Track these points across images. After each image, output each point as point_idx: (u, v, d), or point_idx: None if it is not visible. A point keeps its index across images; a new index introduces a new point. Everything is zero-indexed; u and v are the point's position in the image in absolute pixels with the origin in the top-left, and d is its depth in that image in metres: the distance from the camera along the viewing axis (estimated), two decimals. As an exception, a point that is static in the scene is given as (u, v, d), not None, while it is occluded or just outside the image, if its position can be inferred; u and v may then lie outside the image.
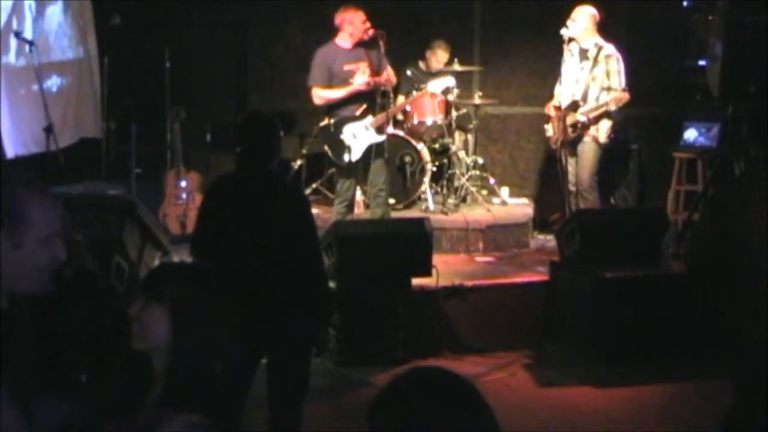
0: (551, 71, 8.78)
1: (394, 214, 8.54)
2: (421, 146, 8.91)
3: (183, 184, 8.86)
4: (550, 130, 8.66)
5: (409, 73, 9.13)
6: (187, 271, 2.72)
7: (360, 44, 7.98)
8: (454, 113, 9.24)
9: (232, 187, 4.93)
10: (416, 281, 7.13)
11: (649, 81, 9.22)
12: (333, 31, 8.08)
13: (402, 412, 1.83)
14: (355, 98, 8.01)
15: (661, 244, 7.62)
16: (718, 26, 8.93)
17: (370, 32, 7.89)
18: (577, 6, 8.41)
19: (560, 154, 8.48)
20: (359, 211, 8.66)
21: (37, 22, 8.55)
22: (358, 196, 8.63)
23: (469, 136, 9.55)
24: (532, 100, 9.98)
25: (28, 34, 8.14)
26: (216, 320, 2.61)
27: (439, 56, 9.50)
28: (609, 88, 8.25)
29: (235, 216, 4.75)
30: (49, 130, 7.56)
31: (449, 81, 8.90)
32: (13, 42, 8.10)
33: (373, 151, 7.96)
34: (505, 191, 9.68)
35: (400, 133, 8.88)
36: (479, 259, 8.57)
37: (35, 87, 7.93)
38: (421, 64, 9.66)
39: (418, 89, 8.98)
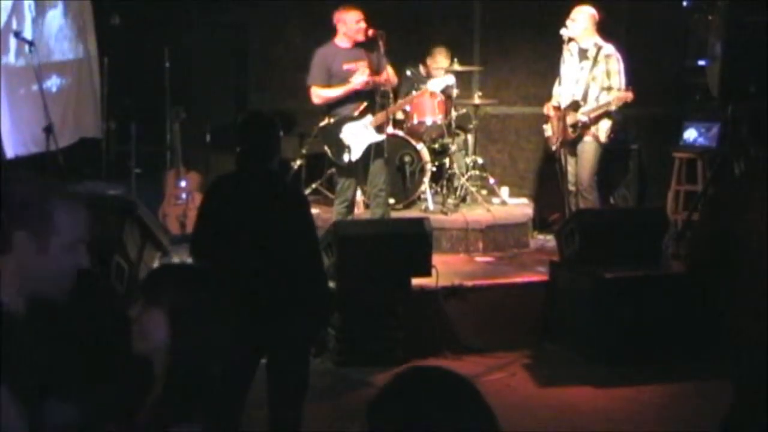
0: (551, 71, 8.78)
1: (394, 214, 8.54)
2: (420, 146, 8.91)
3: (183, 184, 8.87)
4: (549, 130, 8.66)
5: (408, 73, 9.13)
6: (186, 272, 2.72)
7: (360, 44, 7.98)
8: (453, 113, 9.25)
9: (232, 187, 4.93)
10: (416, 281, 7.13)
11: (649, 81, 9.22)
12: (333, 31, 8.08)
13: (402, 411, 1.83)
14: (354, 98, 8.01)
15: (661, 244, 7.62)
16: (717, 26, 8.95)
17: (370, 32, 7.89)
18: (577, 6, 8.42)
19: (560, 154, 8.48)
20: (359, 211, 8.66)
21: (37, 23, 8.55)
22: (358, 196, 8.63)
23: (469, 136, 9.56)
24: (531, 100, 9.98)
25: (27, 34, 8.14)
26: (215, 322, 2.61)
27: (439, 62, 9.50)
28: (609, 88, 8.25)
29: (234, 216, 4.76)
30: (48, 130, 7.56)
31: (449, 79, 8.89)
32: (12, 42, 8.10)
33: (372, 151, 7.96)
34: (504, 191, 9.68)
35: (400, 133, 8.88)
36: (479, 259, 8.57)
37: (35, 87, 7.92)
38: (422, 69, 9.66)
39: (418, 89, 8.98)
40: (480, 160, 9.48)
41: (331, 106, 8.08)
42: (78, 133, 9.12)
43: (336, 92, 7.97)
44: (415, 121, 8.95)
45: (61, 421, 2.36)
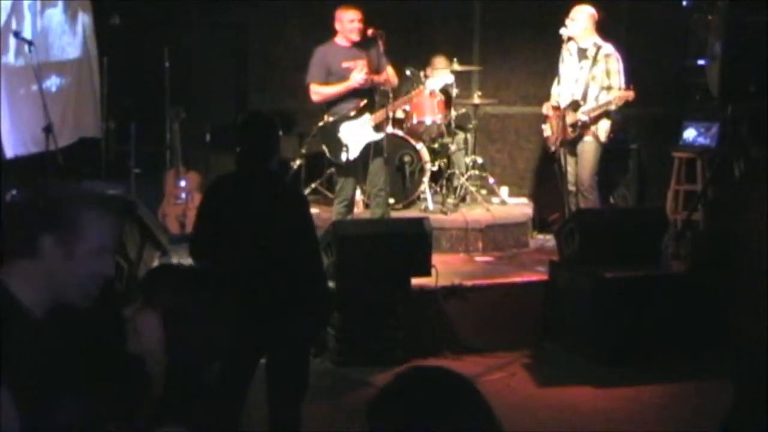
0: (551, 71, 8.78)
1: (394, 214, 8.53)
2: (420, 146, 8.91)
3: (182, 183, 8.86)
4: (548, 130, 8.66)
5: (408, 72, 9.13)
6: (184, 273, 2.72)
7: (360, 43, 7.99)
8: (453, 113, 9.24)
9: (232, 187, 4.93)
10: (416, 281, 7.13)
11: (649, 81, 9.21)
12: (333, 31, 8.11)
13: (402, 411, 1.83)
14: (353, 97, 8.02)
15: (661, 243, 7.62)
16: (717, 26, 8.95)
17: (369, 32, 7.90)
18: (577, 5, 8.42)
19: (559, 154, 8.47)
20: (359, 210, 8.66)
21: (37, 22, 8.53)
22: (358, 195, 8.64)
23: (469, 136, 9.55)
24: (531, 99, 9.97)
25: (27, 33, 8.12)
26: (212, 323, 2.61)
27: (438, 70, 9.48)
28: (609, 88, 8.26)
29: (234, 216, 4.76)
30: (48, 130, 7.55)
31: (447, 78, 8.86)
32: (12, 42, 8.09)
33: (372, 151, 7.96)
34: (504, 191, 9.68)
35: (400, 132, 8.88)
36: (478, 258, 8.57)
37: (34, 87, 7.91)
38: (422, 75, 9.64)
39: (418, 86, 8.96)
40: (480, 160, 9.48)
41: (330, 105, 8.10)
42: (77, 133, 9.11)
43: (334, 89, 7.98)
44: (415, 121, 8.95)
45: (62, 421, 2.36)
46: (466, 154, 9.46)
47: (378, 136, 7.99)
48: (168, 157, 9.26)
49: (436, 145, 9.19)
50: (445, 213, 8.80)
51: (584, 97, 8.29)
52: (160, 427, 2.47)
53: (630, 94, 8.13)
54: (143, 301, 2.56)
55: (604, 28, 8.56)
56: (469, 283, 7.49)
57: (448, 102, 9.19)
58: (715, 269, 4.36)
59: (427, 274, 7.10)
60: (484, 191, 9.42)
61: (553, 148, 8.61)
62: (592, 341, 7.01)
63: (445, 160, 9.24)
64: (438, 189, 9.19)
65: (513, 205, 9.51)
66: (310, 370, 5.03)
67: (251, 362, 4.83)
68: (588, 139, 8.33)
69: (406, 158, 8.86)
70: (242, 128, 5.01)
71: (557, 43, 8.44)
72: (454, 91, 9.20)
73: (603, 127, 8.33)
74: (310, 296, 4.77)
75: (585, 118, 8.24)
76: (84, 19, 9.40)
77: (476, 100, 9.35)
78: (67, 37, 9.18)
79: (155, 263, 6.87)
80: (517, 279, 7.83)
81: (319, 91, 8.04)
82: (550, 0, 9.48)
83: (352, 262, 6.90)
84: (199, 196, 7.18)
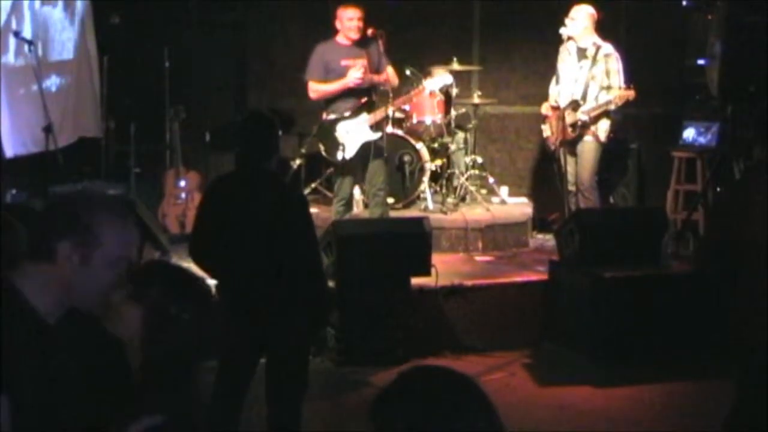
0: (550, 71, 8.77)
1: (394, 214, 8.53)
2: (420, 145, 8.91)
3: (182, 183, 8.86)
4: (547, 130, 8.65)
5: (408, 72, 9.13)
6: (179, 276, 2.71)
7: (360, 42, 7.99)
8: (453, 112, 9.24)
9: (231, 187, 4.94)
10: (415, 281, 7.13)
11: (649, 80, 9.20)
12: (332, 30, 8.11)
13: (406, 410, 1.82)
14: (352, 95, 8.02)
15: (661, 243, 7.62)
16: (717, 26, 8.94)
17: (369, 31, 7.91)
18: (576, 5, 8.41)
19: (558, 154, 8.47)
20: (359, 210, 8.66)
21: (36, 22, 8.52)
22: (358, 195, 8.64)
23: (469, 136, 9.55)
24: (531, 99, 9.96)
25: (27, 33, 8.11)
26: (195, 332, 2.60)
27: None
28: (609, 87, 8.26)
29: (233, 216, 4.76)
30: (48, 129, 7.54)
31: (446, 78, 8.84)
32: (12, 42, 8.08)
33: (372, 151, 7.96)
34: (504, 190, 9.67)
35: (399, 132, 8.87)
36: (478, 258, 8.57)
37: (34, 87, 7.90)
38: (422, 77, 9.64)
39: (417, 86, 8.95)
40: (479, 160, 9.47)
41: (328, 103, 8.11)
42: (77, 133, 9.10)
43: (330, 87, 7.99)
44: (415, 121, 8.95)
45: (64, 422, 2.36)
46: (466, 153, 9.45)
47: (375, 135, 7.99)
48: (168, 157, 9.26)
49: (435, 145, 9.18)
50: (444, 213, 8.79)
51: (584, 97, 8.29)
52: (137, 415, 2.45)
53: (631, 94, 8.13)
54: (132, 291, 2.55)
55: (603, 28, 8.56)
56: (468, 282, 7.48)
57: (448, 102, 9.18)
58: (717, 269, 4.36)
59: (427, 273, 7.10)
60: (483, 191, 9.42)
61: (552, 148, 8.61)
62: (592, 341, 7.01)
63: (444, 160, 9.24)
64: (438, 189, 9.19)
65: (513, 205, 9.50)
66: (309, 369, 5.03)
67: (251, 361, 4.83)
68: (588, 138, 8.33)
69: (406, 158, 8.86)
70: (242, 128, 5.01)
71: (557, 42, 8.44)
72: (454, 91, 9.19)
73: (603, 127, 8.33)
74: (309, 295, 4.77)
75: (585, 117, 8.24)
76: (84, 18, 9.40)
77: (476, 99, 9.35)
78: (67, 37, 9.18)
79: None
80: (517, 279, 7.82)
81: (316, 89, 8.05)
82: (550, 0, 9.48)
83: (352, 262, 6.90)
84: (199, 195, 7.18)
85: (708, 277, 6.13)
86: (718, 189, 8.49)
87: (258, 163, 4.84)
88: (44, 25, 8.70)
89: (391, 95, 8.12)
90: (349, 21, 7.93)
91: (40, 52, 8.12)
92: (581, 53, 8.37)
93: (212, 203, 4.92)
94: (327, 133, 8.08)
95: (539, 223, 9.50)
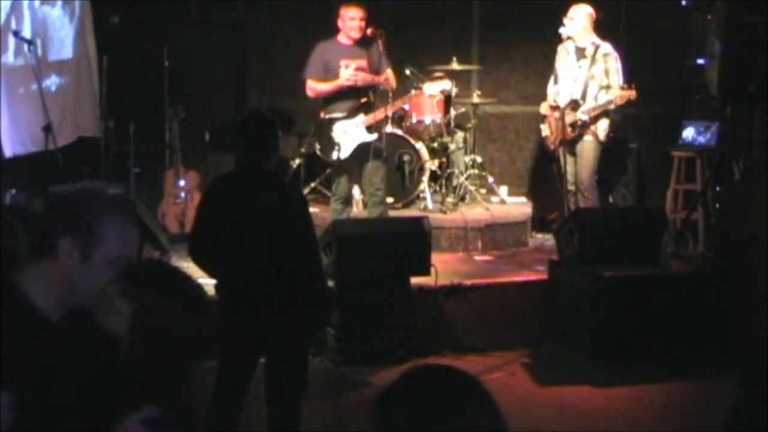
0: (550, 71, 8.76)
1: (393, 213, 8.53)
2: (419, 145, 8.91)
3: (182, 183, 8.86)
4: (546, 129, 8.65)
5: (408, 72, 9.13)
6: (176, 277, 2.70)
7: (360, 42, 7.98)
8: (452, 112, 9.24)
9: (231, 186, 4.94)
10: (415, 280, 7.13)
11: (649, 80, 9.20)
12: (332, 30, 8.11)
13: (409, 410, 1.82)
14: (351, 96, 8.02)
15: (660, 243, 7.61)
16: (717, 25, 8.93)
17: (369, 31, 7.90)
18: (575, 4, 8.41)
19: (558, 154, 8.47)
20: (358, 210, 8.66)
21: (36, 21, 8.52)
22: (358, 195, 8.63)
23: (468, 135, 9.55)
24: (530, 99, 9.96)
25: (26, 33, 8.11)
26: (185, 336, 2.58)
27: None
28: (608, 87, 8.26)
29: (233, 215, 4.76)
30: (47, 129, 7.54)
31: (445, 84, 8.82)
32: (11, 41, 8.08)
33: (371, 151, 7.96)
34: (503, 190, 9.67)
35: (399, 131, 8.88)
36: (478, 258, 8.57)
37: (34, 86, 7.90)
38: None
39: (417, 89, 8.95)
40: (479, 159, 9.48)
41: (326, 103, 8.12)
42: (77, 132, 9.09)
43: (326, 86, 8.01)
44: (414, 120, 8.95)
45: (65, 420, 2.36)
46: (466, 153, 9.46)
47: (371, 137, 7.98)
48: (167, 157, 9.25)
49: (435, 144, 9.18)
50: (444, 212, 8.79)
51: (583, 97, 8.29)
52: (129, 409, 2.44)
53: (632, 93, 8.13)
54: (125, 286, 2.55)
55: (603, 28, 8.56)
56: (468, 282, 7.49)
57: (447, 101, 9.18)
58: (719, 269, 4.37)
59: (427, 273, 7.10)
60: (483, 190, 9.42)
61: (552, 148, 8.61)
62: (592, 341, 7.01)
63: (444, 160, 9.24)
64: (437, 188, 9.19)
65: (512, 205, 9.50)
66: (309, 369, 5.03)
67: (250, 361, 4.83)
68: (587, 138, 8.33)
69: (406, 157, 8.86)
70: (241, 127, 5.01)
71: (556, 42, 8.45)
72: (454, 91, 9.19)
73: (602, 127, 8.33)
74: (308, 295, 4.77)
75: (585, 117, 8.24)
76: (83, 18, 9.39)
77: (475, 99, 9.35)
78: (67, 37, 9.17)
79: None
80: (517, 278, 7.83)
81: (313, 87, 8.07)
82: (549, 0, 9.48)
83: (352, 262, 6.90)
84: (199, 195, 7.17)
85: (708, 277, 6.13)
86: (718, 189, 8.49)
87: (258, 162, 4.84)
88: (43, 24, 8.70)
89: (390, 96, 8.11)
90: (351, 20, 7.93)
91: (39, 51, 8.12)
92: (580, 53, 8.37)
93: (212, 203, 4.92)
94: (323, 133, 8.09)
95: (539, 222, 9.51)
